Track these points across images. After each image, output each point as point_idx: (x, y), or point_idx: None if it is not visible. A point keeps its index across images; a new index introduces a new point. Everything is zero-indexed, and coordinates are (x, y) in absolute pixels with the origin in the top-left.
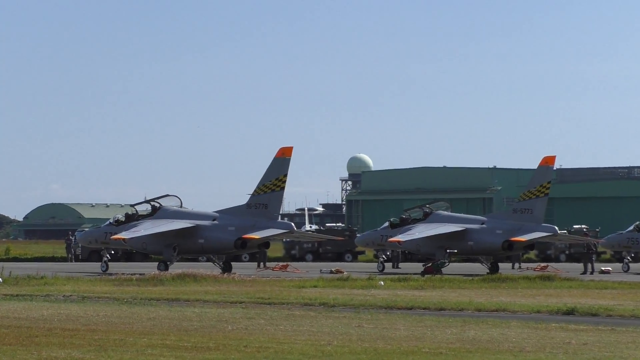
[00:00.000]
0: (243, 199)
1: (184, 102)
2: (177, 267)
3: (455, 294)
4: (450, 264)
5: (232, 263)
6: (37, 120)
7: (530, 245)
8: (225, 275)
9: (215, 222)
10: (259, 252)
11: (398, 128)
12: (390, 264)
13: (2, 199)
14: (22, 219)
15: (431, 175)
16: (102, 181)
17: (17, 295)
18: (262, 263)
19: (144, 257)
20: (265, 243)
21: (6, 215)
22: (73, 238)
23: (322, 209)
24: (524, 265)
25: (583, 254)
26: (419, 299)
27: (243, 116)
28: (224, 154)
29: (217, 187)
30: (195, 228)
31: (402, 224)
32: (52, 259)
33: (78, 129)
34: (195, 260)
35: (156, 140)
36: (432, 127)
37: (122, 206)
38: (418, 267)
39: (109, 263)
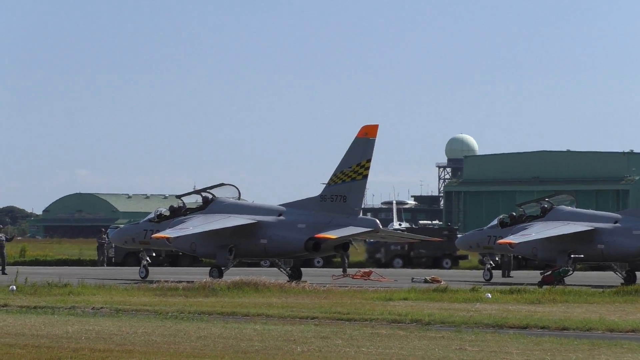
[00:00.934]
0: (316, 190)
1: (240, 72)
2: (234, 274)
3: (581, 310)
4: (575, 272)
5: (302, 269)
6: (62, 93)
7: None
8: (294, 284)
9: (282, 217)
10: (340, 256)
11: (509, 102)
12: (500, 271)
13: (17, 188)
14: (41, 213)
15: (551, 161)
16: (141, 167)
17: (35, 308)
18: (344, 269)
19: (193, 260)
20: (343, 244)
21: (22, 208)
22: (106, 236)
23: (414, 203)
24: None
25: None
26: (535, 316)
27: (316, 90)
28: (292, 134)
29: (284, 175)
30: (257, 225)
31: (515, 222)
32: (79, 263)
33: (112, 103)
34: (257, 265)
35: (208, 118)
36: (552, 102)
37: (165, 197)
38: (534, 275)
39: (149, 268)
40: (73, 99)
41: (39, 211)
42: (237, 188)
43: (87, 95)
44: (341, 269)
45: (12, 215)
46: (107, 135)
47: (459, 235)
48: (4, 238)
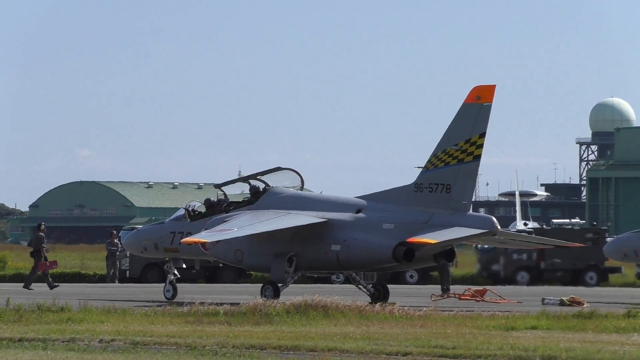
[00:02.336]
0: (408, 177)
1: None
2: (296, 293)
3: None
4: None
5: (389, 286)
6: (58, 50)
7: None
8: (378, 306)
9: (361, 215)
10: (439, 268)
11: None
12: None
13: None
14: (27, 209)
15: None
16: (165, 146)
17: (20, 340)
18: (445, 285)
19: (239, 274)
20: (447, 252)
21: (1, 203)
22: (118, 241)
23: (545, 194)
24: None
25: None
26: None
27: (408, 41)
28: (374, 101)
29: (364, 157)
30: (327, 226)
31: None
32: (80, 278)
33: (124, 61)
34: (327, 280)
35: (259, 82)
36: None
37: (199, 187)
38: None
39: (177, 285)
40: (72, 56)
41: (24, 207)
42: (298, 174)
43: (90, 52)
44: (445, 286)
45: None
46: (117, 103)
47: (608, 240)
48: None
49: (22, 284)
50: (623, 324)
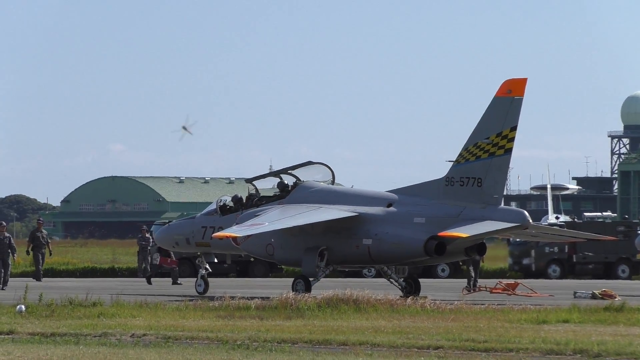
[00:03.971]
0: (440, 171)
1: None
2: (327, 287)
3: None
4: None
5: (420, 280)
6: (90, 44)
7: None
8: (410, 300)
9: (392, 209)
10: (468, 263)
11: None
12: None
13: (27, 171)
14: (59, 204)
15: None
16: (197, 140)
17: (52, 335)
18: (472, 280)
19: (270, 269)
20: (479, 246)
21: (33, 197)
22: (150, 236)
23: (577, 188)
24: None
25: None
26: None
27: (438, 35)
28: (404, 94)
29: (394, 151)
30: (358, 220)
31: None
32: (112, 273)
33: (156, 57)
34: (358, 274)
35: (290, 75)
36: None
37: (231, 182)
38: None
39: (209, 279)
40: (104, 51)
41: (56, 202)
42: (330, 168)
43: (121, 48)
44: (472, 281)
45: (19, 208)
46: (149, 98)
47: None
48: (7, 240)
49: (39, 279)
50: None
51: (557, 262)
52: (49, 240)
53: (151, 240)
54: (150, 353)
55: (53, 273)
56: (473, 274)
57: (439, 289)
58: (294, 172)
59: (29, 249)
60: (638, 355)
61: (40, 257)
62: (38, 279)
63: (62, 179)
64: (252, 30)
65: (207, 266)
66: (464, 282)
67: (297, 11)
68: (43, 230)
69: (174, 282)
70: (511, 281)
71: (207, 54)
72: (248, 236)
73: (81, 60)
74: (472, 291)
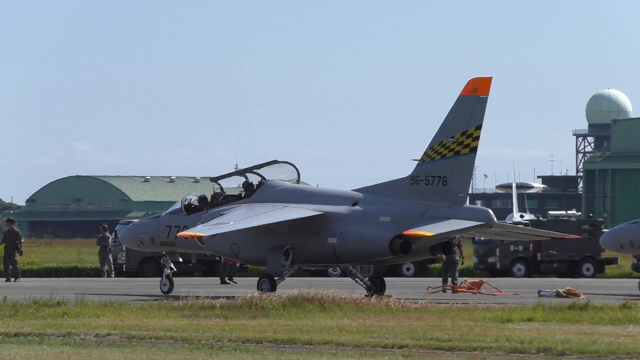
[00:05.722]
0: (405, 170)
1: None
2: (292, 286)
3: None
4: None
5: (385, 279)
6: (56, 42)
7: None
8: (374, 299)
9: (357, 207)
10: (443, 262)
11: None
12: None
13: None
14: (24, 203)
15: None
16: (163, 140)
17: (16, 335)
18: (451, 279)
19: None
20: (444, 244)
21: None
22: (112, 236)
23: (542, 186)
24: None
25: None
26: None
27: (403, 33)
28: (370, 93)
29: (360, 150)
30: (323, 218)
31: None
32: (77, 272)
33: (123, 55)
34: (323, 273)
35: (254, 75)
36: None
37: (196, 181)
38: None
39: (173, 279)
40: (70, 51)
41: (20, 201)
42: (295, 167)
43: (88, 47)
44: (450, 279)
45: None
46: (114, 97)
47: (604, 231)
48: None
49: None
50: (619, 316)
51: (522, 260)
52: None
53: (111, 239)
54: (114, 353)
55: (24, 273)
56: (449, 273)
57: (404, 288)
58: (259, 171)
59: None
60: (602, 354)
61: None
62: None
63: (27, 178)
64: (217, 29)
65: (172, 265)
66: (429, 281)
67: (261, 8)
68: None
69: (226, 280)
70: (476, 280)
71: (171, 53)
72: (213, 235)
73: (45, 59)
74: (442, 289)
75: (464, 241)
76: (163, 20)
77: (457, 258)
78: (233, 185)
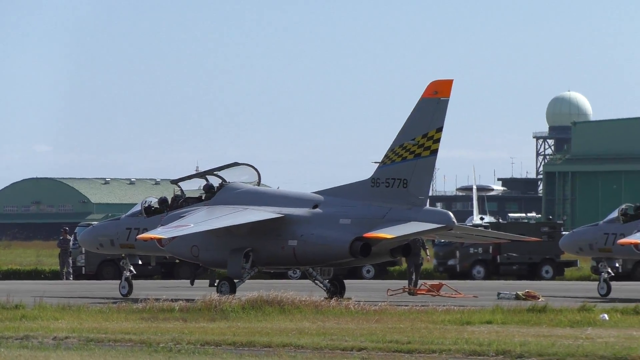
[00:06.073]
0: (365, 172)
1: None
2: (252, 288)
3: None
4: None
5: (345, 281)
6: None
7: None
8: (334, 301)
9: (318, 210)
10: (409, 264)
11: (635, 49)
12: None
13: None
14: None
15: None
16: (123, 141)
17: None
18: (410, 281)
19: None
20: (404, 247)
21: None
22: (72, 238)
23: (502, 189)
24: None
25: None
26: None
27: (366, 35)
28: (331, 96)
29: (320, 152)
30: (283, 221)
31: None
32: (36, 275)
33: (78, 59)
34: (284, 276)
35: (216, 75)
36: None
37: (156, 183)
38: None
39: (133, 281)
40: (28, 49)
41: None
42: (255, 169)
43: (46, 44)
44: (414, 282)
45: None
46: (73, 98)
47: (564, 233)
48: None
49: None
50: (577, 318)
51: (482, 262)
52: None
53: (72, 241)
54: (73, 356)
55: None
56: (414, 275)
57: (363, 290)
58: (219, 173)
59: None
60: (560, 356)
61: None
62: None
63: None
64: (175, 29)
65: (132, 268)
66: (389, 283)
67: (212, 8)
68: None
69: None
70: (435, 282)
71: (133, 54)
72: (173, 238)
73: (3, 59)
74: (402, 291)
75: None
76: (120, 20)
77: (421, 261)
78: (193, 187)
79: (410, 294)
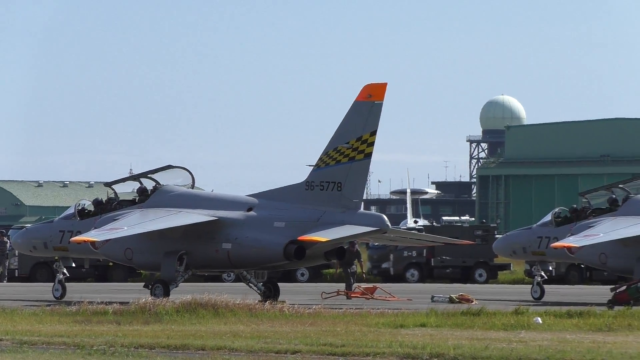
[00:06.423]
0: (299, 175)
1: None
2: (185, 291)
3: None
4: None
5: (280, 284)
6: None
7: None
8: (268, 304)
9: (252, 213)
10: (344, 267)
11: (567, 52)
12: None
13: None
14: None
15: (628, 133)
16: (56, 143)
17: None
18: (348, 285)
19: (129, 273)
20: (337, 250)
21: None
22: (7, 240)
23: (435, 192)
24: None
25: None
26: (603, 349)
27: (300, 37)
28: (265, 99)
29: (255, 155)
30: (217, 224)
31: (577, 219)
32: None
33: (12, 59)
34: (218, 279)
35: (151, 76)
36: (626, 49)
37: (90, 185)
38: (604, 292)
39: (66, 284)
40: None
41: None
42: (190, 172)
43: None
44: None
45: None
46: (7, 100)
47: (498, 237)
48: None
49: None
50: (511, 321)
51: (416, 266)
52: None
53: (9, 244)
54: (6, 358)
55: None
56: (351, 278)
57: (298, 293)
58: (153, 176)
59: None
60: (494, 358)
61: None
62: None
63: None
64: (109, 32)
65: (65, 271)
66: (323, 286)
67: (152, 10)
68: None
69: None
70: (370, 285)
71: (65, 55)
72: (106, 240)
73: None
74: (336, 294)
75: (358, 246)
76: (50, 22)
77: (355, 269)
78: (127, 190)
79: (347, 297)
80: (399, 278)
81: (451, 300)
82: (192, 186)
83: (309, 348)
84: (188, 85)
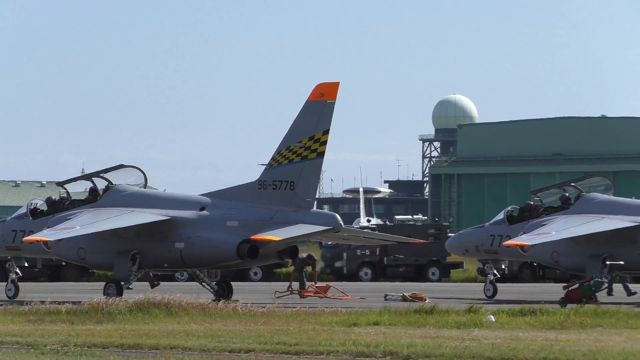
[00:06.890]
0: (252, 174)
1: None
2: (138, 291)
3: (621, 339)
4: (613, 285)
5: (233, 283)
6: None
7: None
8: (221, 303)
9: (205, 212)
10: (297, 266)
11: (519, 52)
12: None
13: None
14: None
15: (580, 132)
16: (8, 143)
17: None
18: (305, 283)
19: (82, 273)
20: (290, 249)
21: None
22: None
23: (388, 191)
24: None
25: None
26: (556, 347)
27: (254, 36)
28: (218, 98)
29: (207, 155)
30: (170, 223)
31: (529, 217)
32: None
33: None
34: (171, 278)
35: (103, 75)
36: (578, 51)
37: (42, 185)
38: (556, 290)
39: (19, 284)
40: None
41: None
42: (142, 172)
43: None
44: (307, 284)
45: None
46: None
47: (450, 235)
48: None
49: None
50: (464, 320)
51: (369, 264)
52: None
53: None
54: None
55: None
56: (305, 277)
57: (251, 292)
58: (106, 175)
59: None
60: (447, 357)
61: None
62: None
63: None
64: (62, 31)
65: (18, 270)
66: (276, 285)
67: (105, 9)
68: None
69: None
70: (323, 284)
71: (15, 54)
72: (59, 240)
73: None
74: (288, 293)
75: (311, 245)
76: (5, 21)
77: (307, 274)
78: (79, 189)
79: (300, 296)
80: (353, 277)
81: (404, 299)
82: (145, 185)
83: (262, 347)
84: (139, 85)
